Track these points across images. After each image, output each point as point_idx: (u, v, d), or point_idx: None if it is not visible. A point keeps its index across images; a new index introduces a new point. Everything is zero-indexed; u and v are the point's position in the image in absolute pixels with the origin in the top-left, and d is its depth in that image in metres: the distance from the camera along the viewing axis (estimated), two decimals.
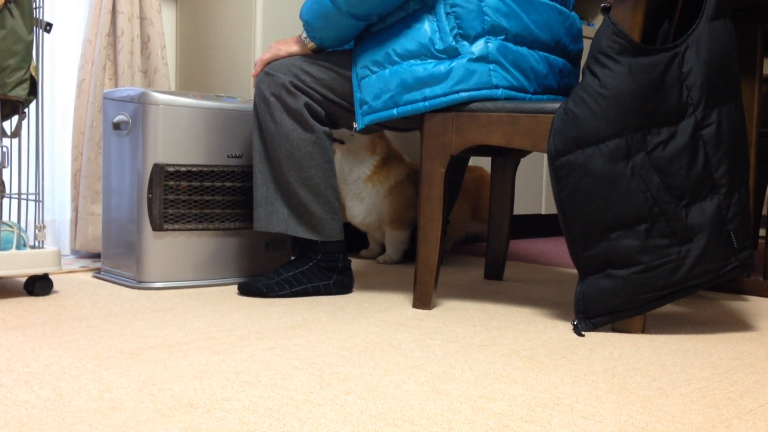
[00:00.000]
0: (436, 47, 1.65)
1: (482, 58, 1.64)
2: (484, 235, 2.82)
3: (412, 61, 1.67)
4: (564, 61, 1.80)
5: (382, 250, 2.62)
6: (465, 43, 1.64)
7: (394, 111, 1.68)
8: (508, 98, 1.65)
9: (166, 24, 2.68)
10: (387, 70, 1.69)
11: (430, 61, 1.66)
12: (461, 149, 1.68)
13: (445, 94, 1.65)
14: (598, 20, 3.95)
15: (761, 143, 2.62)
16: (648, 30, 1.65)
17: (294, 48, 1.81)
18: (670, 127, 1.47)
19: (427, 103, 1.66)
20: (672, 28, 1.72)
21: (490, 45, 1.64)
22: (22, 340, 1.33)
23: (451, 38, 1.64)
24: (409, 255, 2.57)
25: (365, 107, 1.72)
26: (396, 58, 1.68)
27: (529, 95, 1.69)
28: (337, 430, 0.93)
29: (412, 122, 1.84)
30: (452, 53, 1.64)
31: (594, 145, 1.48)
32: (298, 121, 1.76)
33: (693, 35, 1.47)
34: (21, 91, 1.69)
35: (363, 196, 2.39)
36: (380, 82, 1.69)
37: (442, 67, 1.64)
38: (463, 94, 1.64)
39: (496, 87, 1.65)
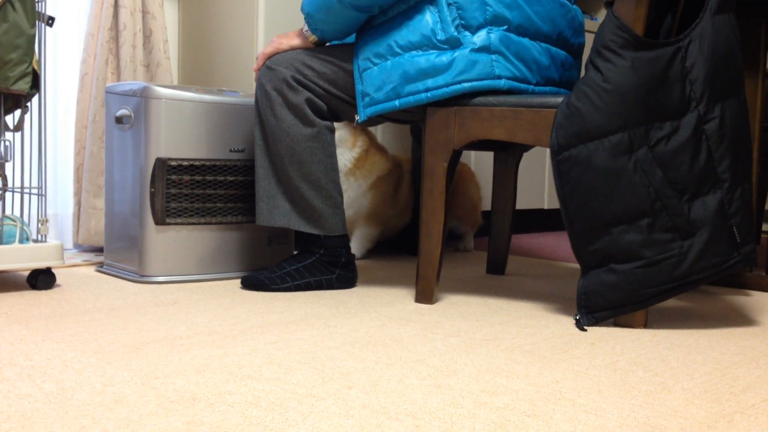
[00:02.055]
0: (438, 38, 1.64)
1: (484, 49, 1.63)
2: (456, 230, 2.77)
3: (413, 52, 1.66)
4: (566, 53, 1.80)
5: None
6: (467, 33, 1.63)
7: (396, 102, 1.68)
8: (510, 89, 1.65)
9: (168, 18, 2.67)
10: (389, 62, 1.68)
11: (432, 51, 1.65)
12: (464, 144, 1.68)
13: (447, 85, 1.64)
14: (602, 14, 3.94)
15: (764, 138, 2.61)
16: (651, 24, 1.65)
17: (295, 41, 1.81)
18: (673, 122, 1.47)
19: (429, 94, 1.66)
20: (675, 23, 1.71)
21: (492, 36, 1.63)
22: (25, 334, 1.33)
23: (453, 29, 1.63)
24: (373, 252, 2.55)
25: (367, 99, 1.71)
26: (398, 50, 1.67)
27: (531, 86, 1.69)
28: (340, 424, 0.93)
29: (414, 115, 1.83)
30: (454, 44, 1.64)
31: (597, 140, 1.48)
32: (299, 116, 1.76)
33: (696, 29, 1.47)
34: (23, 85, 1.69)
35: (345, 188, 2.33)
36: (382, 74, 1.69)
37: (444, 57, 1.64)
38: (466, 85, 1.64)
39: (499, 77, 1.64)
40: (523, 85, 1.67)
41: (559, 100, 1.57)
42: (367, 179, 2.36)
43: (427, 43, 1.65)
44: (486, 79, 1.64)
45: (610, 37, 1.48)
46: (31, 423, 0.90)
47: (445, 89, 1.65)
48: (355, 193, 2.36)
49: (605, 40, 1.48)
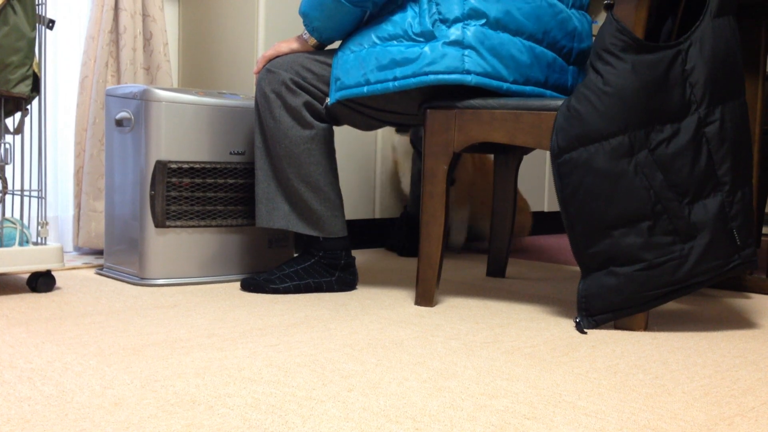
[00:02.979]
0: (414, 30, 1.65)
1: (457, 43, 1.62)
2: (479, 232, 2.85)
3: (389, 43, 1.67)
4: (554, 55, 1.75)
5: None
6: (443, 27, 1.63)
7: (365, 89, 1.68)
8: (479, 85, 1.62)
9: (168, 21, 2.68)
10: (365, 50, 1.69)
11: (406, 43, 1.66)
12: (464, 146, 1.68)
13: (414, 75, 1.64)
14: (602, 17, 3.94)
15: (764, 141, 2.61)
16: (651, 27, 1.65)
17: (295, 45, 1.82)
18: (674, 125, 1.47)
19: (396, 83, 1.65)
20: (675, 26, 1.71)
21: (467, 30, 1.62)
22: (25, 337, 1.33)
23: (429, 23, 1.64)
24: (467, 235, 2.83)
25: (338, 83, 1.72)
26: (376, 40, 1.69)
27: (507, 84, 1.65)
28: (340, 427, 0.93)
29: (413, 118, 1.84)
30: (428, 36, 1.64)
31: (597, 143, 1.48)
32: (296, 119, 1.76)
33: (696, 32, 1.47)
34: (24, 88, 1.69)
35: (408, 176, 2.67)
36: (357, 61, 1.70)
37: (416, 49, 1.64)
38: (432, 77, 1.62)
39: (468, 72, 1.61)
40: (495, 82, 1.64)
41: (560, 102, 1.57)
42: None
43: (403, 35, 1.66)
44: (454, 73, 1.62)
45: (611, 40, 1.48)
46: (31, 425, 0.90)
47: (412, 79, 1.64)
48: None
49: (605, 43, 1.48)
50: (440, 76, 1.62)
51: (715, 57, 1.47)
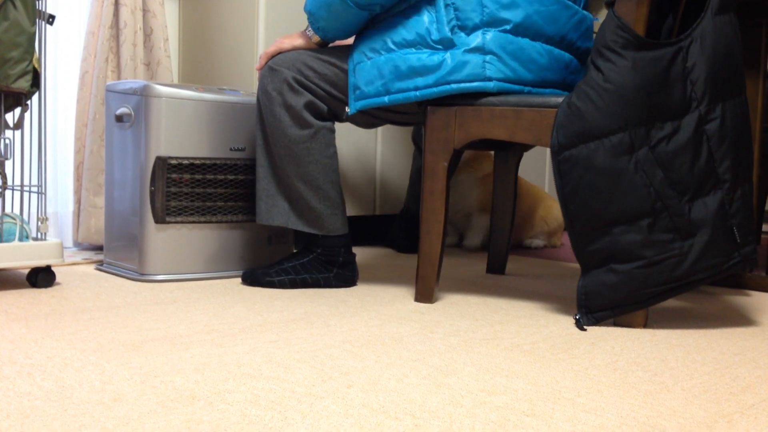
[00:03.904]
0: (432, 37, 1.64)
1: (477, 49, 1.61)
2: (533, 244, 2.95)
3: (407, 50, 1.66)
4: (571, 57, 1.76)
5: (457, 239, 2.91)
6: (462, 34, 1.62)
7: (386, 98, 1.68)
8: (501, 91, 1.63)
9: (168, 16, 2.67)
10: (382, 57, 1.68)
11: (425, 50, 1.65)
12: (464, 143, 1.68)
13: (436, 84, 1.63)
14: (602, 14, 3.94)
15: (765, 138, 2.61)
16: (652, 24, 1.64)
17: (298, 41, 1.81)
18: (674, 122, 1.47)
19: (418, 93, 1.65)
20: (676, 23, 1.71)
21: (487, 36, 1.61)
22: (25, 332, 1.33)
23: (447, 30, 1.63)
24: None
25: (358, 92, 1.71)
26: (392, 46, 1.67)
27: (528, 88, 1.66)
28: (339, 423, 0.93)
29: (410, 116, 1.83)
30: (448, 44, 1.63)
31: (597, 140, 1.48)
32: (295, 118, 1.76)
33: (697, 29, 1.47)
34: (24, 83, 1.69)
35: (457, 181, 2.69)
36: (374, 68, 1.69)
37: (436, 57, 1.63)
38: (454, 86, 1.62)
39: (489, 79, 1.61)
40: (516, 87, 1.64)
41: (560, 99, 1.57)
42: (476, 173, 2.70)
43: (421, 42, 1.65)
44: (476, 81, 1.62)
45: (611, 37, 1.48)
46: (31, 421, 0.90)
47: (434, 89, 1.63)
48: (465, 185, 2.69)
49: (606, 40, 1.48)
50: (462, 85, 1.62)
51: (716, 54, 1.47)
